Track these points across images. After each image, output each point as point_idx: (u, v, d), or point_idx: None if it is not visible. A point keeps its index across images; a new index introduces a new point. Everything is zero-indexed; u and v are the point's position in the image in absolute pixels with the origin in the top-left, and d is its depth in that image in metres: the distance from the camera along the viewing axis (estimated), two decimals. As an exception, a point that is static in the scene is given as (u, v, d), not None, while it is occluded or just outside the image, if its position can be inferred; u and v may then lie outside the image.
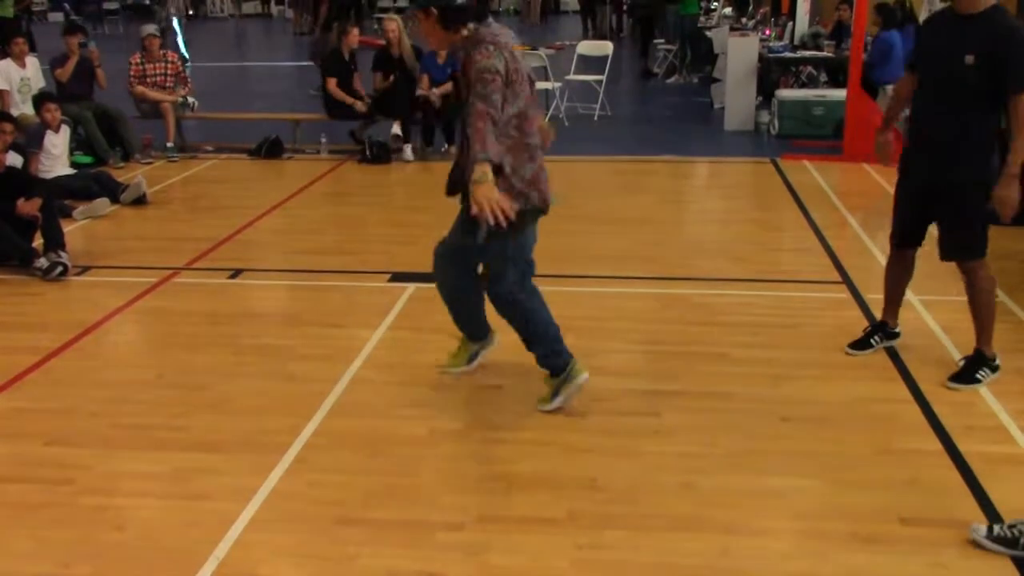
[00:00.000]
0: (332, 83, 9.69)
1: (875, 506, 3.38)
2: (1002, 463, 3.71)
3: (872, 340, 4.74)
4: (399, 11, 26.00)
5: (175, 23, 16.71)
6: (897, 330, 4.78)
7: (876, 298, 4.97)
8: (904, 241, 4.53)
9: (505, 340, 4.89)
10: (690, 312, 5.36)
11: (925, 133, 4.30)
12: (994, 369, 4.39)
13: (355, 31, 10.13)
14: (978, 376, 4.35)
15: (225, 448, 3.94)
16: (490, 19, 3.87)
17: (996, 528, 3.14)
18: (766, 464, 3.74)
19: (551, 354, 4.19)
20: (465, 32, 3.82)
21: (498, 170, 3.66)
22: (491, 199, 3.50)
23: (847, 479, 3.61)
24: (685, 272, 6.04)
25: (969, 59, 3.97)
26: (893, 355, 4.66)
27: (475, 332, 4.50)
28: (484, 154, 3.56)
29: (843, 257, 6.16)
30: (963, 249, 4.27)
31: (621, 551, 3.21)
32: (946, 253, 4.32)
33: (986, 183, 4.05)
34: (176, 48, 15.62)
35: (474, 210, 3.54)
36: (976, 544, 3.13)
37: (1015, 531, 3.11)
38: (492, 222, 3.53)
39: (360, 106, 9.62)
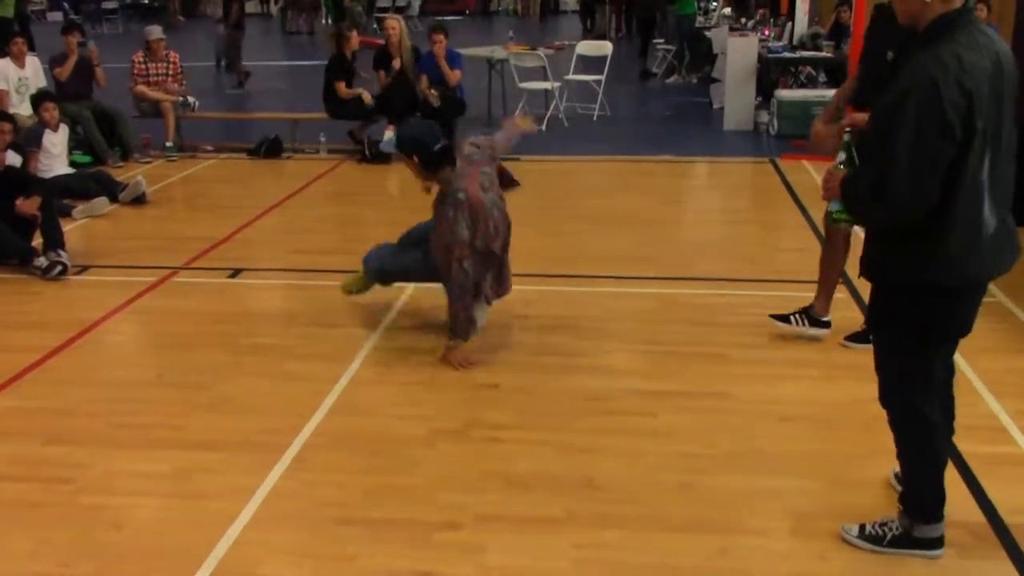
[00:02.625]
0: (341, 86, 9.69)
1: (874, 506, 3.38)
2: (1002, 463, 3.71)
3: (793, 317, 4.89)
4: (398, 11, 26.05)
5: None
6: (826, 319, 4.87)
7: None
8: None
9: (504, 339, 4.90)
10: (689, 312, 5.37)
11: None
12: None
13: (354, 34, 10.15)
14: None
15: (224, 447, 3.94)
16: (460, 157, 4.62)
17: (868, 527, 3.18)
18: (765, 464, 3.74)
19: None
20: (446, 171, 4.55)
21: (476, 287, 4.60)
22: (461, 360, 4.61)
23: (846, 479, 3.61)
24: (684, 272, 6.04)
25: (890, 55, 4.08)
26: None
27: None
28: (463, 335, 4.60)
29: (842, 257, 6.16)
30: None
31: (620, 551, 3.21)
32: None
33: None
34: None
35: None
36: (848, 543, 3.19)
37: (884, 528, 3.15)
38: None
39: (367, 96, 9.62)
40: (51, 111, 8.04)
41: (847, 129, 3.23)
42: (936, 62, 2.60)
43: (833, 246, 4.77)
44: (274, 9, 32.44)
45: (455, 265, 4.46)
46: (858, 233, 4.65)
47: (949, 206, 2.68)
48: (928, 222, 2.70)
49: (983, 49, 2.65)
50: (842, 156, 2.98)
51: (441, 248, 4.52)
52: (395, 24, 9.77)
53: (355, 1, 23.21)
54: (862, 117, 3.17)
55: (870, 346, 4.53)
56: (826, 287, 4.85)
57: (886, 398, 3.06)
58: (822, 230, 6.69)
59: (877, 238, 2.91)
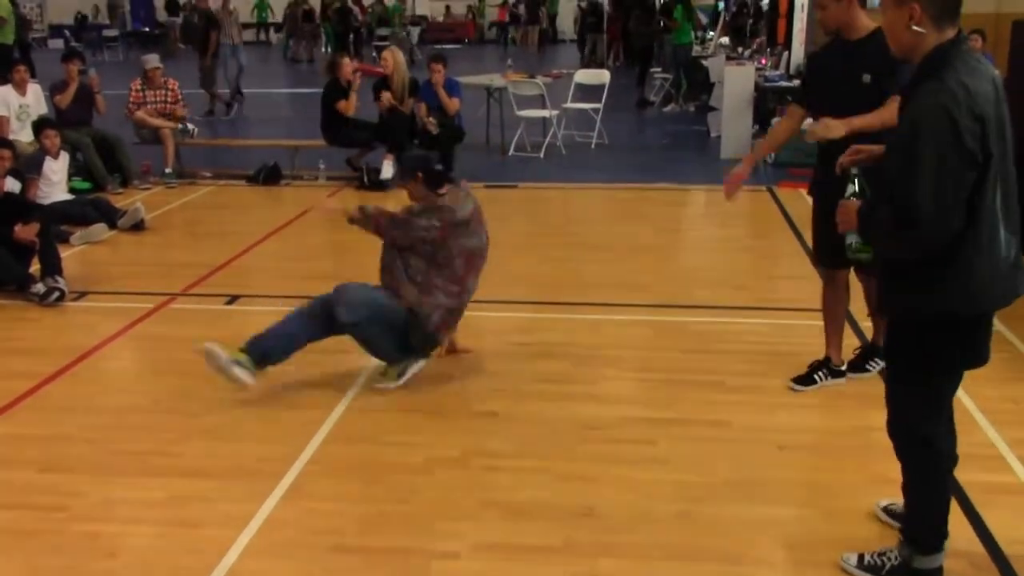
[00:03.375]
0: (343, 103, 9.71)
1: (873, 534, 3.36)
2: (999, 492, 3.70)
3: (816, 376, 4.68)
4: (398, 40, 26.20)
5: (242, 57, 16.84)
6: (843, 368, 4.71)
7: (872, 325, 4.97)
8: (829, 260, 4.51)
9: (501, 367, 4.89)
10: (687, 340, 5.36)
11: (829, 150, 4.33)
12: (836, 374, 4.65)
13: (346, 61, 10.21)
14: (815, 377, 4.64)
15: (220, 475, 3.92)
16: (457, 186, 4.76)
17: (867, 557, 3.16)
18: (763, 493, 3.73)
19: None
20: (443, 191, 4.68)
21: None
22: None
23: (845, 508, 3.60)
24: (682, 300, 6.04)
25: (866, 78, 4.18)
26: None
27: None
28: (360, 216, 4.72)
29: (839, 285, 6.16)
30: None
31: (618, 580, 3.19)
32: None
33: None
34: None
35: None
36: (847, 573, 3.16)
37: (883, 558, 3.13)
38: None
39: (387, 97, 9.59)
40: (52, 138, 8.07)
41: (850, 163, 3.25)
42: (944, 91, 2.62)
43: (835, 288, 4.61)
44: (274, 37, 32.64)
45: (395, 231, 4.62)
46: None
47: (969, 234, 2.70)
48: (948, 252, 2.72)
49: (982, 75, 2.69)
50: (851, 188, 3.00)
51: (400, 238, 4.64)
52: (389, 56, 9.82)
53: (400, 28, 24.12)
54: (868, 149, 3.20)
55: (816, 388, 4.62)
56: (836, 334, 4.70)
57: (894, 426, 3.05)
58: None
59: (893, 272, 2.90)
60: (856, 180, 3.01)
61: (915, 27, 2.71)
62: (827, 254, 4.50)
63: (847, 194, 3.00)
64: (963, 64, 2.68)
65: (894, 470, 3.10)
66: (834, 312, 4.67)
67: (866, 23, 4.23)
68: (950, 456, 3.04)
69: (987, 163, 2.66)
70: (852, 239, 2.93)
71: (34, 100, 9.42)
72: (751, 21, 17.21)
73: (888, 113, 4.00)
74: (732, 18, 18.09)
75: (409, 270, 4.62)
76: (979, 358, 2.95)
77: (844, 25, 4.26)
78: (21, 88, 9.33)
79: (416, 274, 4.61)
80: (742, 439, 4.17)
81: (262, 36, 32.47)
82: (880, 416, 4.31)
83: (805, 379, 4.67)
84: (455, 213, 4.59)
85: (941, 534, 3.07)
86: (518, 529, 3.50)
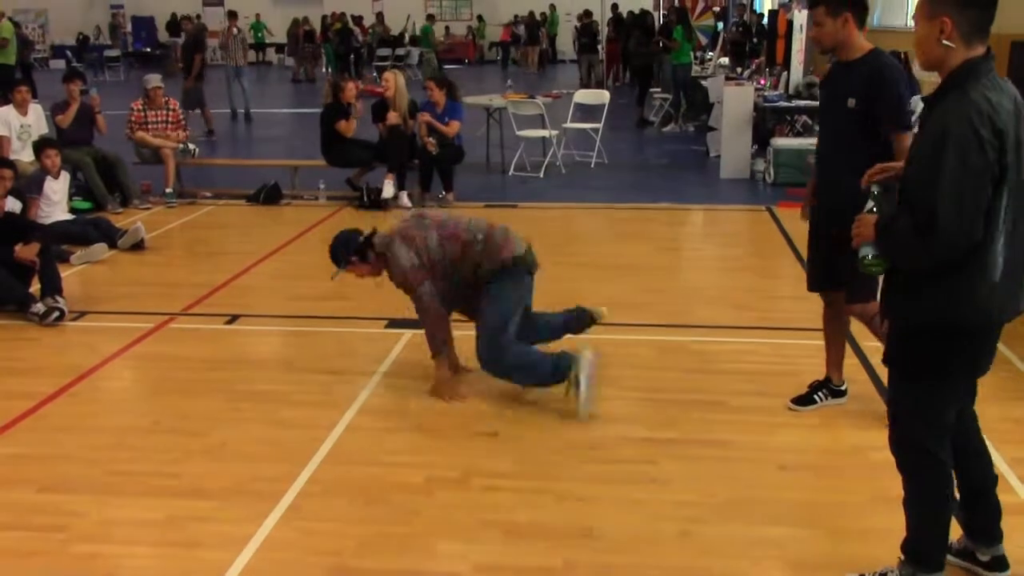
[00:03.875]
0: (343, 124, 9.75)
1: (875, 555, 3.34)
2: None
3: (816, 396, 4.67)
4: (398, 60, 26.33)
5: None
6: (844, 387, 4.70)
7: (872, 345, 4.96)
8: (820, 284, 4.52)
9: (502, 387, 4.88)
10: (687, 359, 5.36)
11: (823, 177, 4.41)
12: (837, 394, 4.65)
13: (351, 84, 10.25)
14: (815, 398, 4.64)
15: (219, 495, 3.91)
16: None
17: None
18: (764, 513, 3.72)
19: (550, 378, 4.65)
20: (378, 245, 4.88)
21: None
22: (450, 394, 4.76)
23: (846, 528, 3.59)
24: (682, 319, 6.04)
25: (851, 102, 4.13)
26: (891, 403, 4.65)
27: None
28: (435, 352, 4.81)
29: (839, 305, 6.16)
30: (853, 292, 4.26)
31: (618, 601, 3.17)
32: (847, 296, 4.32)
33: None
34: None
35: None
36: None
37: None
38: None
39: (393, 116, 9.65)
40: (53, 158, 8.09)
41: (874, 180, 3.27)
42: (968, 103, 2.67)
43: (835, 309, 4.56)
44: (274, 57, 32.77)
45: (416, 292, 4.71)
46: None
47: (983, 245, 2.73)
48: (959, 262, 2.75)
49: (1004, 92, 2.73)
50: (870, 204, 3.02)
51: (403, 287, 4.81)
52: (390, 77, 9.84)
53: (432, 49, 24.52)
54: (894, 166, 3.22)
55: (815, 407, 4.61)
56: (836, 354, 4.68)
57: (896, 438, 3.05)
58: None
59: (902, 282, 2.92)
60: (875, 196, 3.04)
61: (945, 41, 2.74)
62: (816, 279, 4.54)
63: (865, 209, 3.02)
64: (988, 80, 2.72)
65: (896, 489, 3.09)
66: (834, 332, 4.66)
67: (861, 44, 4.19)
68: (950, 469, 3.03)
69: (1003, 176, 2.69)
70: (867, 251, 2.95)
71: (35, 120, 9.47)
72: (755, 40, 17.25)
73: (903, 149, 3.93)
74: (734, 39, 18.14)
75: (466, 299, 4.85)
76: (977, 370, 2.97)
77: (839, 44, 4.21)
78: (22, 108, 9.38)
79: (466, 293, 4.81)
80: (743, 459, 4.16)
81: (260, 57, 32.54)
82: (881, 436, 4.31)
83: (805, 399, 4.66)
84: (407, 252, 4.74)
85: (942, 550, 3.06)
86: (518, 550, 3.48)
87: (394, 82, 9.78)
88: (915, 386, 2.96)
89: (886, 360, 3.07)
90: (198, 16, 32.75)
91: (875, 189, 3.08)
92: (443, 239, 4.73)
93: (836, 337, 4.67)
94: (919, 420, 2.98)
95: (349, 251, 4.91)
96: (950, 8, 2.71)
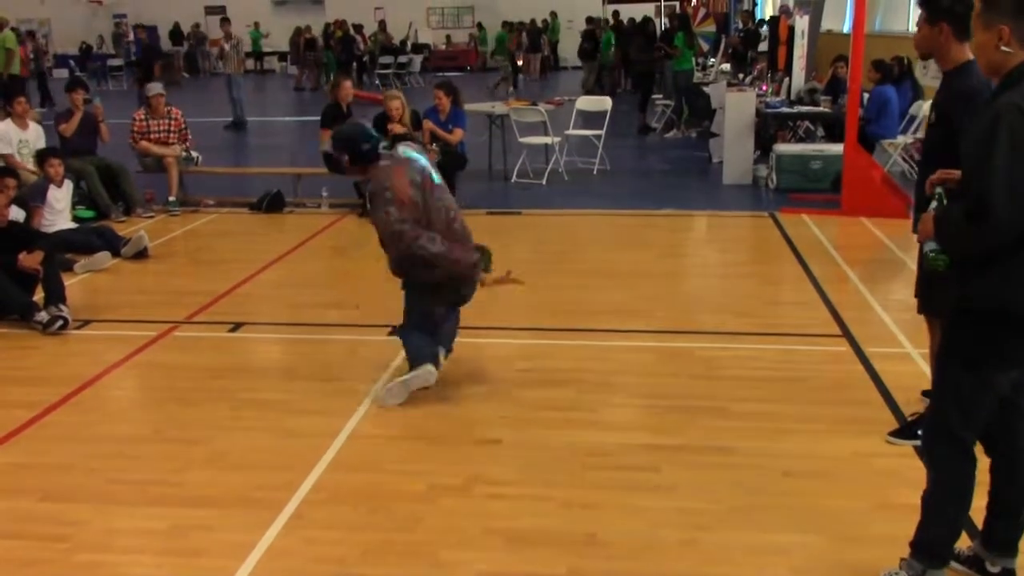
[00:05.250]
0: (325, 135, 9.76)
1: (878, 562, 3.33)
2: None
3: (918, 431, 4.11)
4: (400, 67, 26.37)
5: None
6: None
7: (876, 351, 4.97)
8: (921, 307, 4.28)
9: (505, 393, 4.88)
10: (691, 366, 5.35)
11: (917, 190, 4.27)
12: None
13: (347, 83, 10.22)
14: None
15: (222, 504, 3.90)
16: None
17: None
18: (768, 520, 3.70)
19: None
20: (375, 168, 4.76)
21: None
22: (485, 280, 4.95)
23: (850, 534, 3.57)
24: (685, 326, 6.03)
25: (932, 116, 4.11)
26: (895, 409, 4.64)
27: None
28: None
29: (843, 311, 6.16)
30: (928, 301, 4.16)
31: (622, 609, 3.16)
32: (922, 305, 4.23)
33: None
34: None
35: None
36: None
37: None
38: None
39: (399, 128, 9.54)
40: (56, 167, 8.11)
41: (937, 183, 3.31)
42: (1019, 94, 2.74)
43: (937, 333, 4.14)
44: (277, 66, 32.83)
45: (410, 246, 4.66)
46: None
47: None
48: (1012, 247, 2.79)
49: None
50: (935, 204, 3.10)
51: (389, 239, 4.72)
52: (399, 106, 9.67)
53: (506, 62, 24.51)
54: (953, 172, 3.24)
55: (912, 442, 4.30)
56: None
57: (929, 424, 3.09)
58: (822, 284, 6.71)
59: (960, 270, 2.96)
60: (940, 197, 3.11)
61: (1004, 47, 2.82)
62: (922, 298, 4.26)
63: (930, 208, 3.07)
64: None
65: (900, 496, 3.08)
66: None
67: (958, 55, 3.95)
68: (974, 459, 3.02)
69: None
70: (930, 246, 3.02)
71: (34, 137, 9.39)
72: (763, 44, 17.27)
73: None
74: (735, 44, 18.14)
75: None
76: (1018, 358, 2.96)
77: (934, 52, 4.03)
78: (21, 120, 9.35)
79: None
80: (747, 466, 4.15)
81: (258, 65, 32.63)
82: (884, 442, 4.31)
83: (905, 432, 4.35)
84: (397, 178, 4.66)
85: (951, 547, 3.07)
86: (522, 557, 3.47)
87: (402, 104, 9.67)
88: (963, 377, 2.97)
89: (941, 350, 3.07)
90: (197, 25, 32.93)
91: (939, 191, 3.16)
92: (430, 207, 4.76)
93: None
94: (955, 407, 3.00)
95: (347, 148, 4.79)
96: (1007, 16, 2.80)
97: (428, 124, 9.68)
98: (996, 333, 2.88)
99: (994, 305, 2.86)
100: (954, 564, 3.18)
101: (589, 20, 25.70)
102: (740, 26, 21.02)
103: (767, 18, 20.51)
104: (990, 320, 2.87)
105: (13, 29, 18.83)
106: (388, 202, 4.64)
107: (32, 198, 7.65)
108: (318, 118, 10.25)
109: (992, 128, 2.74)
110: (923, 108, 10.24)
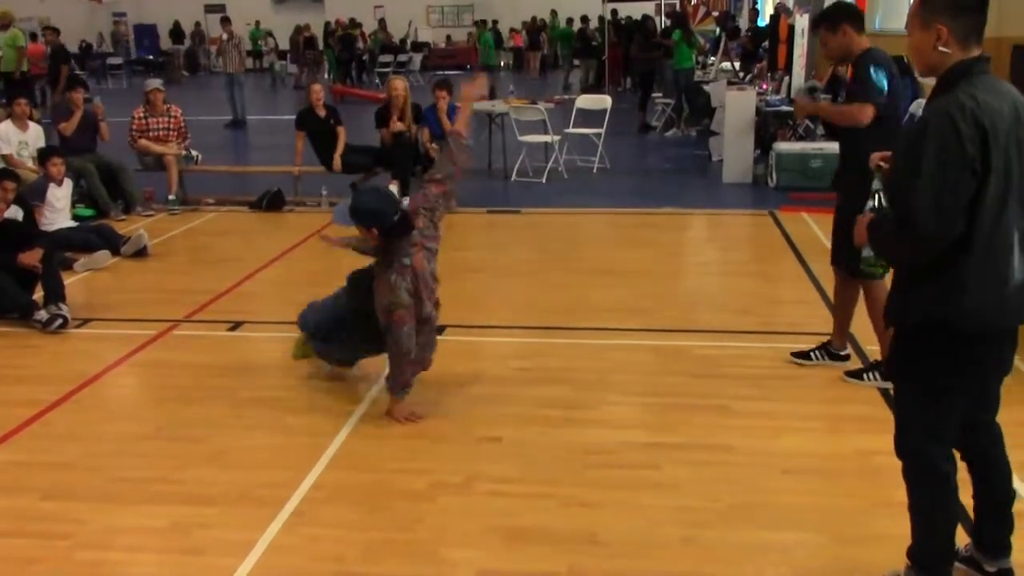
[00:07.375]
0: (299, 137, 9.90)
1: (880, 560, 3.34)
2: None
3: (812, 353, 5.18)
4: (399, 66, 26.36)
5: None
6: (844, 353, 5.16)
7: (875, 349, 4.96)
8: (833, 259, 4.99)
9: (505, 392, 4.88)
10: (690, 364, 5.35)
11: (847, 158, 4.80)
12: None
13: (316, 87, 10.34)
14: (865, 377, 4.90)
15: (223, 502, 3.91)
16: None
17: None
18: (768, 518, 3.71)
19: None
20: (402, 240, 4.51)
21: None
22: (406, 415, 4.63)
23: (850, 533, 3.58)
24: (685, 324, 6.04)
25: (842, 96, 4.88)
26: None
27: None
28: (399, 394, 4.62)
29: (843, 309, 6.15)
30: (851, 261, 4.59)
31: (623, 607, 3.17)
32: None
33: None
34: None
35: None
36: None
37: None
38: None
39: (401, 125, 9.71)
40: (58, 165, 8.11)
41: (875, 167, 3.32)
42: (952, 101, 2.67)
43: (847, 283, 4.97)
44: (277, 64, 32.80)
45: (397, 329, 4.42)
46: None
47: (968, 245, 2.71)
48: (947, 260, 2.73)
49: (1002, 95, 2.73)
50: (871, 203, 3.04)
51: (383, 311, 4.45)
52: (400, 85, 9.85)
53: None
54: (885, 155, 3.25)
55: (811, 364, 5.10)
56: (842, 322, 5.14)
57: (899, 446, 3.03)
58: (822, 283, 6.71)
59: (896, 281, 2.93)
60: (876, 196, 3.06)
61: (942, 48, 2.77)
62: (839, 260, 4.94)
63: (866, 208, 3.03)
64: (980, 80, 2.73)
65: (901, 494, 3.08)
66: (843, 302, 5.10)
67: (861, 45, 4.66)
68: (953, 478, 2.99)
69: (986, 176, 2.67)
70: (866, 252, 2.98)
71: (33, 138, 9.38)
72: (764, 44, 17.25)
73: (847, 109, 4.62)
74: (751, 43, 18.05)
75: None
76: (986, 378, 2.93)
77: (846, 53, 4.67)
78: (21, 121, 9.35)
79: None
80: (747, 464, 4.15)
81: (257, 64, 32.61)
82: (884, 440, 4.30)
83: (804, 354, 5.20)
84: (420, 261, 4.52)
85: (948, 558, 3.04)
86: (522, 555, 3.48)
87: (404, 90, 9.76)
88: (916, 392, 2.93)
89: (887, 364, 3.06)
90: (197, 24, 32.91)
91: (875, 187, 3.10)
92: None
93: (844, 306, 5.09)
94: (919, 429, 2.95)
95: (377, 223, 4.46)
96: (944, 16, 2.75)
97: (425, 135, 9.75)
98: (947, 350, 2.82)
99: (933, 318, 2.79)
100: (956, 564, 3.18)
101: (583, 19, 25.72)
102: (747, 25, 21.00)
103: (767, 20, 20.51)
104: (937, 337, 2.81)
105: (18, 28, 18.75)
106: (403, 273, 4.42)
107: (31, 197, 7.64)
108: (318, 117, 10.25)
109: (920, 137, 2.67)
110: (922, 107, 10.23)
